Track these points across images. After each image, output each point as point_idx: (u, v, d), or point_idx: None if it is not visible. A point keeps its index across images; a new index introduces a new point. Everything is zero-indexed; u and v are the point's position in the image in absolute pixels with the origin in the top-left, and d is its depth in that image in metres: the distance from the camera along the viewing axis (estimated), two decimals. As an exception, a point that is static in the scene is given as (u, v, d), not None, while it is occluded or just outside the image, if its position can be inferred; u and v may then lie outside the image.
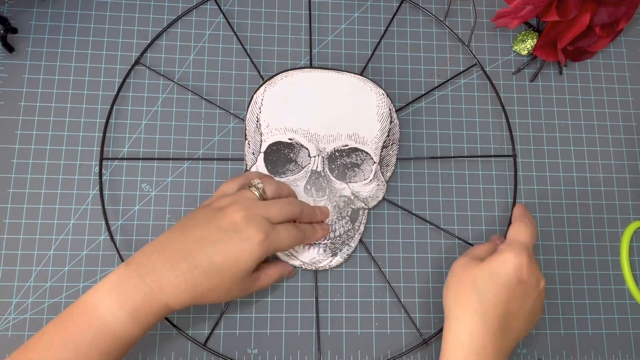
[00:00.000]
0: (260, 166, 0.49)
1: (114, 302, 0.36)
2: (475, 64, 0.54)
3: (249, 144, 0.50)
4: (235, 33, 0.54)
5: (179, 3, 0.54)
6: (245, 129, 0.50)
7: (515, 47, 0.55)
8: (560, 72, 0.56)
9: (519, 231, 0.44)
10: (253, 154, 0.50)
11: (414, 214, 0.51)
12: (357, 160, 0.49)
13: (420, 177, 0.52)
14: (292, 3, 0.55)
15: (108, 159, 0.50)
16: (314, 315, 0.48)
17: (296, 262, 0.48)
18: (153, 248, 0.39)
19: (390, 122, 0.50)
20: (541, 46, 0.54)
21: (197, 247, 0.39)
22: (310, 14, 0.55)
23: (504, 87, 0.55)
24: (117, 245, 0.48)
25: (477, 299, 0.40)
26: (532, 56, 0.55)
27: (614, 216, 0.53)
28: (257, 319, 0.48)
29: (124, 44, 0.53)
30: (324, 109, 0.49)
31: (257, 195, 0.43)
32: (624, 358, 0.49)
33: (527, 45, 0.54)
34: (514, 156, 0.52)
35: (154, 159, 0.50)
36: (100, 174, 0.49)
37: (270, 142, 0.49)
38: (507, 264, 0.41)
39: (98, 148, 0.50)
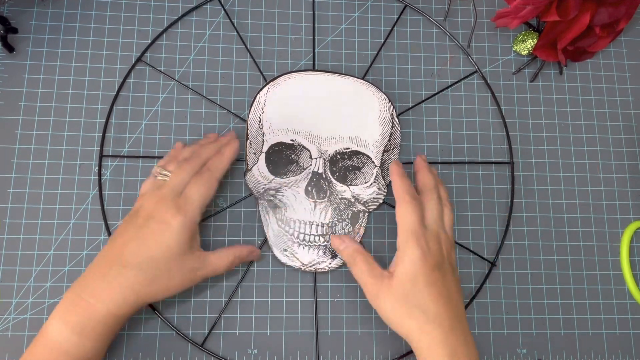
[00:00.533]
0: (261, 166, 0.49)
1: (60, 322, 0.39)
2: (476, 72, 0.54)
3: (250, 144, 0.50)
4: (237, 32, 0.54)
5: (179, 3, 0.54)
6: (247, 129, 0.50)
7: (515, 47, 0.55)
8: (561, 72, 0.56)
9: (404, 216, 0.43)
10: (254, 154, 0.50)
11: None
12: (358, 163, 0.49)
13: (420, 177, 0.52)
14: (293, 3, 0.55)
15: (108, 156, 0.50)
16: (314, 315, 0.48)
17: (296, 264, 0.48)
18: (89, 267, 0.41)
19: (392, 126, 0.50)
20: (541, 46, 0.54)
21: (122, 249, 0.41)
22: (314, 14, 0.55)
23: (504, 87, 0.55)
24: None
25: (422, 315, 0.40)
26: (532, 56, 0.55)
27: (614, 216, 0.53)
28: (257, 319, 0.48)
29: (124, 44, 0.53)
30: (326, 111, 0.50)
31: (166, 179, 0.43)
32: (624, 358, 0.49)
33: (527, 45, 0.54)
34: (512, 163, 0.53)
35: (153, 157, 0.50)
36: (100, 172, 0.49)
37: (272, 143, 0.49)
38: (415, 264, 0.41)
39: (98, 148, 0.50)
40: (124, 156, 0.50)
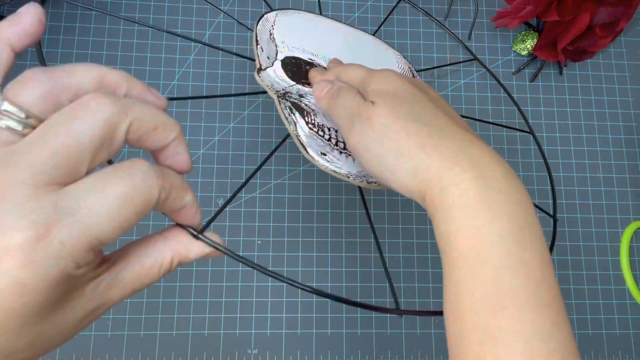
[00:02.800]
0: (278, 70, 0.40)
1: None
2: (474, 59, 0.54)
3: (262, 49, 0.40)
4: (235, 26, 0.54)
5: (179, 3, 0.54)
6: (257, 36, 0.40)
7: (515, 47, 0.55)
8: (561, 72, 0.56)
9: (347, 76, 0.35)
10: (268, 57, 0.40)
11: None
12: None
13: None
14: (292, 3, 0.55)
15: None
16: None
17: (342, 171, 0.35)
18: None
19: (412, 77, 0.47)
20: (541, 46, 0.54)
21: None
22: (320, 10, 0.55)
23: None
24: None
25: (424, 127, 0.28)
26: (532, 56, 0.55)
27: (614, 216, 0.53)
28: (257, 319, 0.48)
29: (124, 44, 0.53)
30: (343, 46, 0.44)
31: (17, 127, 0.19)
32: (623, 358, 0.49)
33: (527, 45, 0.54)
34: (532, 133, 0.49)
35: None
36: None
37: (289, 55, 0.41)
38: (391, 82, 0.31)
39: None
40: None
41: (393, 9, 0.56)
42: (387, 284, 0.49)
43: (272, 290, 0.48)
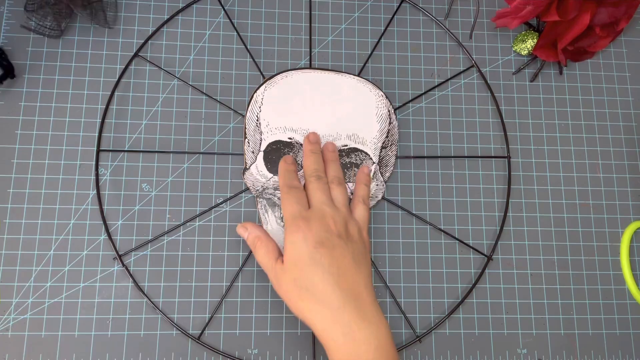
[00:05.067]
0: (259, 165, 0.49)
1: None
2: (473, 66, 0.54)
3: (248, 143, 0.50)
4: (237, 32, 0.54)
5: (179, 3, 0.54)
6: (245, 128, 0.50)
7: (515, 47, 0.55)
8: (561, 72, 0.56)
9: (283, 207, 0.44)
10: (252, 152, 0.50)
11: (414, 214, 0.51)
12: (356, 160, 0.49)
13: (420, 177, 0.52)
14: (292, 3, 0.55)
15: (107, 150, 0.50)
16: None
17: None
18: None
19: (389, 123, 0.50)
20: (541, 46, 0.54)
21: None
22: (310, 13, 0.55)
23: (504, 87, 0.55)
24: (117, 246, 0.48)
25: (311, 296, 0.39)
26: (532, 56, 0.55)
27: (614, 216, 0.53)
28: (257, 319, 0.48)
29: (124, 44, 0.53)
30: (323, 109, 0.50)
31: None
32: (623, 358, 0.49)
33: (527, 45, 0.55)
34: (508, 157, 0.53)
35: (153, 151, 0.50)
36: (97, 166, 0.49)
37: (270, 141, 0.49)
38: (296, 246, 0.41)
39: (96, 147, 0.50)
40: (122, 150, 0.50)
41: (395, 12, 0.56)
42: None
43: (272, 290, 0.48)
